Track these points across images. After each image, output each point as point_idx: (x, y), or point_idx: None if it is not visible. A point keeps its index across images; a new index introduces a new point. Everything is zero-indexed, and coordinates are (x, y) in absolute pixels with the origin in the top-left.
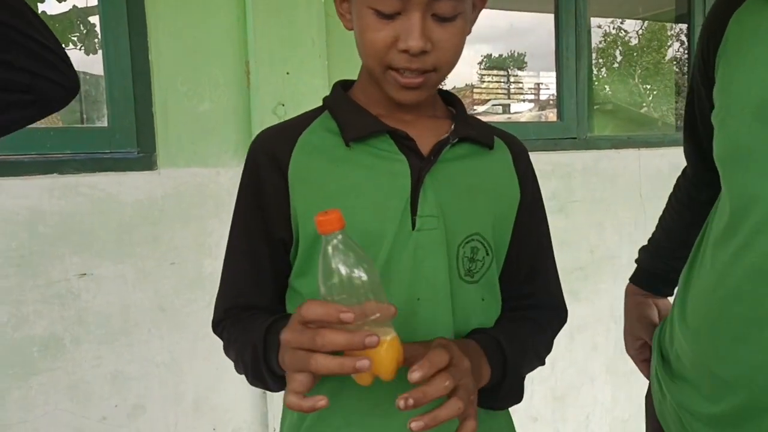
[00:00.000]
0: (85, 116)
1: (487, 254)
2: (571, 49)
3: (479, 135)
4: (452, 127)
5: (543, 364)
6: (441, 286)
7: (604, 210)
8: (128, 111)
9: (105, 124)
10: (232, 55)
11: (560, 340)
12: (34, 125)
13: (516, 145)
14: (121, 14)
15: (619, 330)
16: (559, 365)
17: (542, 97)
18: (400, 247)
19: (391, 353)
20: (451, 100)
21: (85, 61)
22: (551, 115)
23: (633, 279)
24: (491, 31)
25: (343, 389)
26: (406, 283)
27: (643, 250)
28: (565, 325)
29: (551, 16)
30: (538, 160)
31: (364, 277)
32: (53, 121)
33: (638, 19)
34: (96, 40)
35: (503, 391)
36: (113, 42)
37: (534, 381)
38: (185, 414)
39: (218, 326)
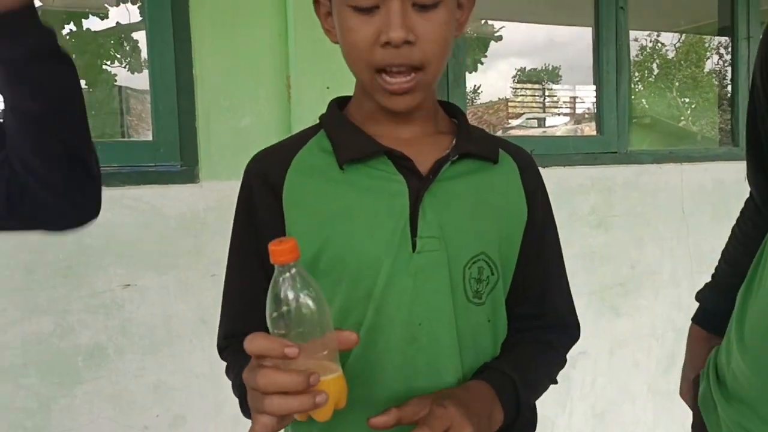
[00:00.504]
0: (128, 130)
1: (492, 273)
2: (611, 63)
3: (481, 149)
4: (453, 142)
5: (555, 383)
6: (443, 311)
7: (644, 225)
8: (172, 125)
9: (147, 138)
10: (273, 70)
11: (600, 355)
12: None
13: (524, 159)
14: (167, 31)
15: (661, 348)
16: (599, 382)
17: (578, 111)
18: (400, 270)
19: (334, 393)
20: (453, 112)
21: (129, 77)
22: (587, 128)
23: (697, 320)
24: (525, 45)
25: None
26: (406, 308)
27: (707, 288)
28: (605, 342)
29: (588, 30)
30: (578, 174)
31: (314, 312)
32: (99, 134)
33: (678, 32)
34: (139, 55)
35: (516, 428)
36: (158, 58)
37: (573, 398)
38: (224, 425)
39: (222, 353)
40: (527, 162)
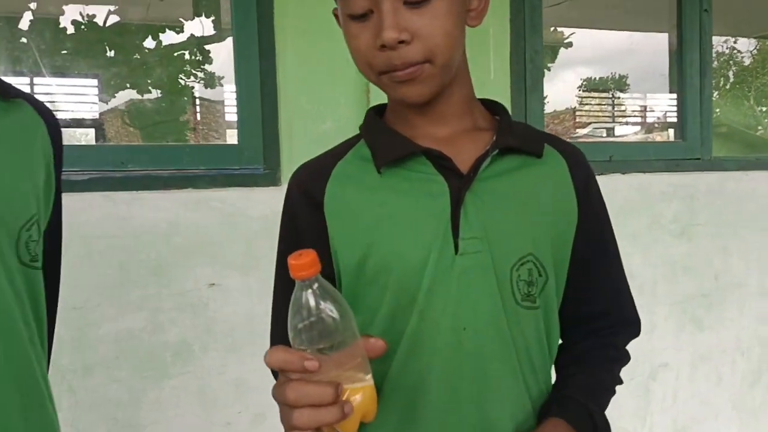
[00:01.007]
0: (200, 140)
1: (540, 275)
2: (695, 67)
3: (524, 144)
4: (493, 138)
5: (621, 383)
6: (490, 314)
7: (730, 234)
8: (256, 130)
9: (225, 142)
10: (353, 77)
11: (682, 369)
12: (172, 143)
13: (573, 155)
14: (252, 41)
15: (747, 362)
16: (680, 396)
17: (649, 120)
18: (443, 273)
19: (362, 403)
20: (496, 108)
21: (202, 87)
22: (659, 138)
23: None
24: (592, 53)
25: None
26: (450, 312)
27: None
28: (687, 355)
29: (660, 36)
30: (659, 181)
31: (337, 325)
32: (185, 138)
33: (757, 38)
34: (211, 67)
35: None
36: (244, 66)
37: (654, 412)
38: None
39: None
40: (576, 157)
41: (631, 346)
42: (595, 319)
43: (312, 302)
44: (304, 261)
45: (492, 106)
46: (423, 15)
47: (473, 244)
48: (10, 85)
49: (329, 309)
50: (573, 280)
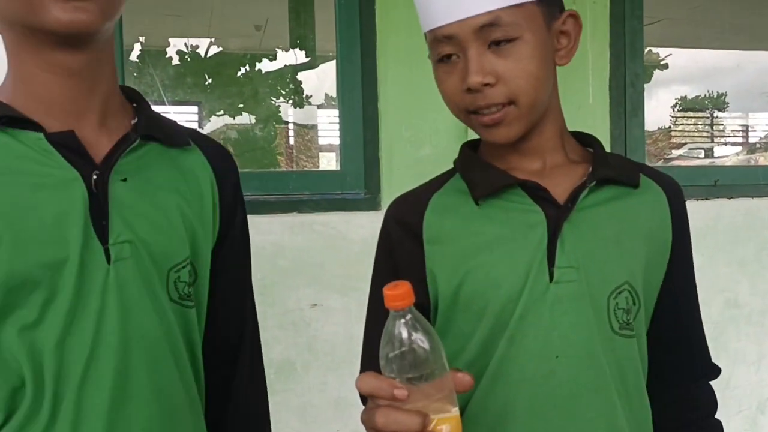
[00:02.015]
0: (293, 164)
1: (634, 303)
2: None
3: (620, 174)
4: (589, 170)
5: None
6: (584, 343)
7: None
8: (358, 155)
9: (317, 166)
10: None
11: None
12: (278, 169)
13: (671, 185)
14: (356, 69)
15: None
16: None
17: (751, 140)
18: (536, 301)
19: None
20: (589, 141)
21: (294, 114)
22: (761, 159)
23: None
24: (686, 71)
25: None
26: (542, 340)
27: None
28: None
29: (761, 54)
30: None
31: (428, 357)
32: (268, 166)
33: None
34: (300, 93)
35: None
36: (348, 94)
37: None
38: None
39: None
40: (674, 188)
41: (739, 378)
42: (685, 368)
43: (404, 333)
44: (399, 292)
45: (584, 139)
46: (507, 58)
47: (568, 273)
48: (182, 132)
49: (420, 340)
50: (659, 314)
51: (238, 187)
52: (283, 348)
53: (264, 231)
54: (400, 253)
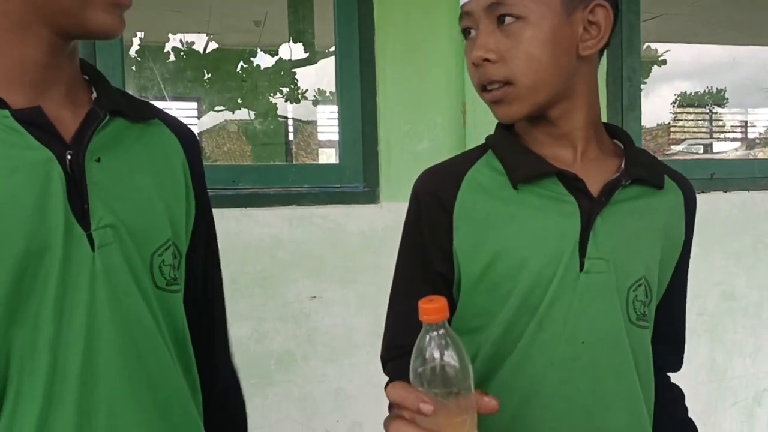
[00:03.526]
0: (290, 158)
1: (647, 296)
2: None
3: (651, 176)
4: (622, 166)
5: None
6: (609, 331)
7: None
8: (356, 149)
9: (315, 160)
10: (449, 99)
11: None
12: (278, 162)
13: (688, 187)
14: (354, 64)
15: None
16: None
17: (750, 136)
18: (567, 288)
19: None
20: (617, 133)
21: (291, 109)
22: (761, 154)
23: None
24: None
25: None
26: (570, 326)
27: None
28: None
29: (760, 49)
30: (764, 199)
31: (458, 373)
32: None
33: None
34: (299, 89)
35: None
36: (347, 89)
37: None
38: None
39: (384, 366)
40: (691, 191)
41: (735, 370)
42: (668, 344)
43: (436, 347)
44: (435, 306)
45: (611, 130)
46: (510, 38)
47: (599, 265)
48: (147, 105)
49: (452, 356)
50: (663, 302)
51: (200, 166)
52: (283, 340)
53: (263, 224)
54: (427, 221)
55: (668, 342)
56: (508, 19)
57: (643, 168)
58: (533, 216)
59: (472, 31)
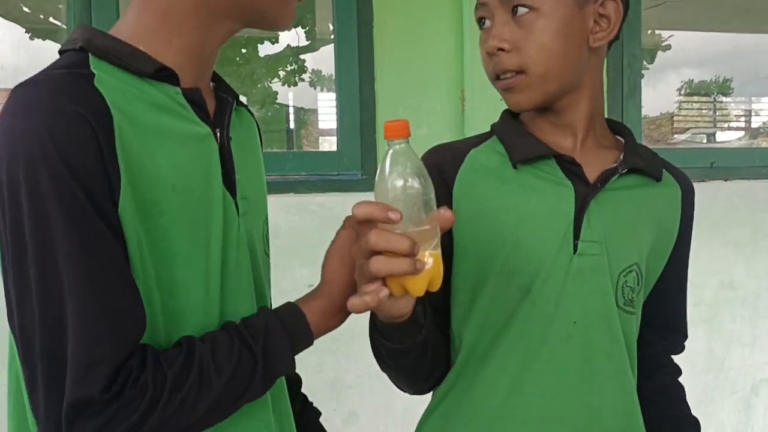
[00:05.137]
0: (294, 143)
1: (638, 284)
2: None
3: (648, 167)
4: (621, 156)
5: None
6: (600, 312)
7: None
8: (354, 137)
9: (317, 149)
10: (448, 84)
11: None
12: (276, 149)
13: (687, 183)
14: (353, 51)
15: None
16: None
17: (754, 125)
18: (559, 270)
19: (432, 267)
20: (619, 129)
21: (294, 97)
22: (765, 143)
23: None
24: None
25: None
26: (562, 306)
27: None
28: None
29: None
30: (764, 188)
31: (419, 188)
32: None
33: None
34: (305, 76)
35: None
36: (345, 75)
37: (755, 428)
38: (395, 424)
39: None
40: (690, 187)
41: (733, 360)
42: (668, 331)
43: (401, 164)
44: (397, 124)
45: (615, 126)
46: (523, 28)
47: (591, 247)
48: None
49: (415, 172)
50: (656, 293)
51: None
52: None
53: None
54: None
55: (657, 328)
56: (521, 10)
57: (642, 159)
58: (529, 196)
59: (487, 21)
